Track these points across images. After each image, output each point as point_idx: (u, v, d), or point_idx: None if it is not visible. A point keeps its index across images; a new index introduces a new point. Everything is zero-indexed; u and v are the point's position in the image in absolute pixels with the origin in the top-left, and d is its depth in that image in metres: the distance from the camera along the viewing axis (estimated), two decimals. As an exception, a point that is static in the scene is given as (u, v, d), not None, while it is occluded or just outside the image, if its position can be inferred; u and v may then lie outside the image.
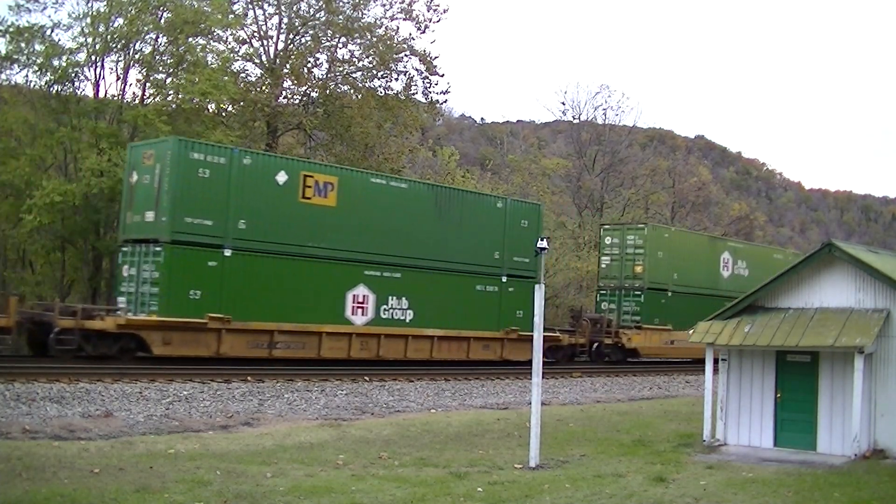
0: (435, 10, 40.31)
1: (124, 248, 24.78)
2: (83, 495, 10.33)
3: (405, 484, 12.09)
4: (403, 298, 28.04)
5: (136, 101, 33.43)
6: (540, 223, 32.72)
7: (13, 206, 29.81)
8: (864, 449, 15.19)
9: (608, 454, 15.54)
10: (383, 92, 40.10)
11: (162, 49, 33.61)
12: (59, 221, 29.71)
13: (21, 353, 25.12)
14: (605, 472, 13.60)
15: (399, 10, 40.04)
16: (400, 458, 14.39)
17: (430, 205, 29.23)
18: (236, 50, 37.98)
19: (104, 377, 20.60)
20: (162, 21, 33.10)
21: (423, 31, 40.42)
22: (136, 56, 33.34)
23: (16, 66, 31.89)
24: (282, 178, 25.35)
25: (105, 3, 32.31)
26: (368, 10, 39.65)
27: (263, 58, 39.09)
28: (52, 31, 31.81)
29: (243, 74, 38.51)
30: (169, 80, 33.53)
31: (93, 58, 32.45)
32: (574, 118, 61.52)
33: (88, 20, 32.06)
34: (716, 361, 16.94)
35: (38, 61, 31.34)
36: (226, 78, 33.37)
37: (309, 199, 25.89)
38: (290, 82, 38.74)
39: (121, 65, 33.50)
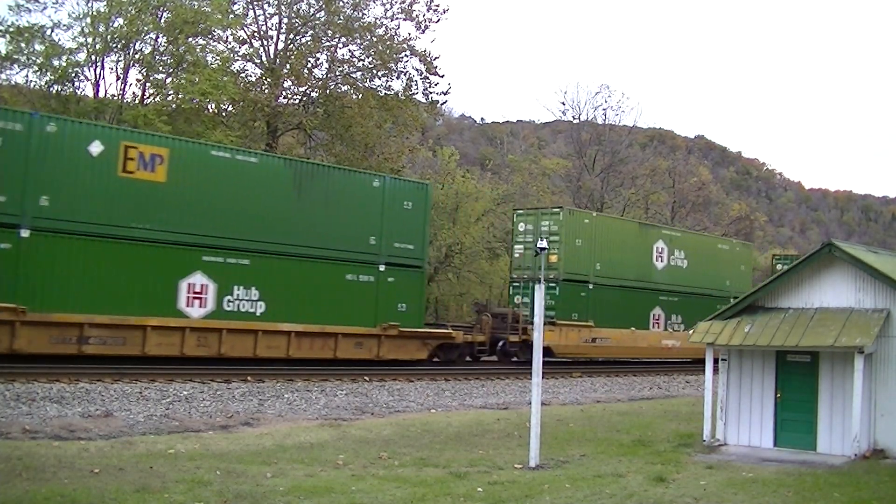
0: (435, 10, 40.43)
1: None
2: (83, 495, 10.33)
3: (405, 484, 12.08)
4: (253, 288, 24.81)
5: (136, 101, 33.50)
6: (428, 205, 29.65)
7: None
8: (864, 449, 15.19)
9: (608, 454, 15.53)
10: (383, 92, 40.16)
11: (162, 49, 33.68)
12: None
13: None
14: (605, 472, 13.60)
15: (399, 10, 40.10)
16: (400, 458, 14.39)
17: (288, 182, 25.96)
18: (236, 50, 38.09)
19: (104, 377, 20.60)
20: (162, 21, 33.17)
21: (423, 31, 40.53)
22: (136, 56, 33.41)
23: (16, 66, 31.98)
24: (96, 148, 22.33)
25: (105, 3, 32.38)
26: (368, 10, 39.75)
27: (263, 58, 39.14)
28: (52, 31, 31.96)
29: (243, 74, 38.59)
30: (169, 80, 33.60)
31: (93, 58, 32.53)
32: (574, 118, 61.50)
33: (88, 20, 32.14)
34: (716, 361, 16.93)
35: (38, 61, 31.41)
36: (226, 78, 33.41)
37: (131, 172, 22.84)
38: (290, 82, 38.78)
39: (121, 65, 33.62)
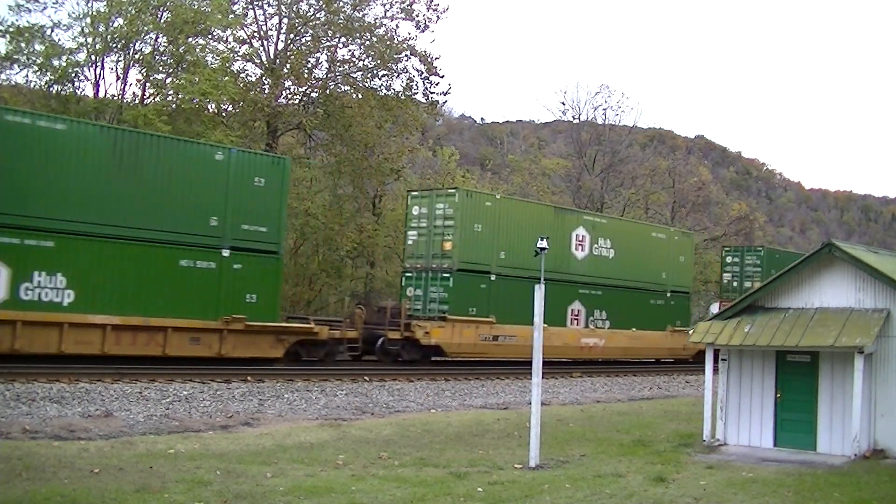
0: (435, 10, 40.44)
1: None
2: (83, 495, 10.33)
3: (405, 484, 12.09)
4: (59, 275, 21.58)
5: (136, 101, 33.51)
6: (285, 182, 26.20)
7: None
8: (864, 449, 15.19)
9: (608, 454, 15.54)
10: (383, 92, 40.17)
11: (162, 49, 33.68)
12: None
13: None
14: (605, 472, 13.60)
15: (399, 9, 40.11)
16: (400, 458, 14.39)
17: (105, 152, 22.62)
18: (236, 50, 38.09)
19: (104, 377, 20.59)
20: (162, 21, 33.18)
21: (423, 31, 40.55)
22: (136, 56, 33.43)
23: (16, 66, 31.99)
24: None
25: (105, 3, 32.39)
26: (369, 10, 39.76)
27: (263, 58, 39.16)
28: (52, 31, 31.96)
29: (243, 74, 38.60)
30: (169, 80, 33.61)
31: (93, 58, 32.55)
32: (574, 118, 61.52)
33: (88, 20, 32.16)
34: (716, 361, 16.95)
35: (38, 61, 31.42)
36: (226, 78, 33.42)
37: None
38: (290, 82, 38.80)
39: (121, 65, 33.64)
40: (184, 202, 23.83)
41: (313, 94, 39.72)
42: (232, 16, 35.88)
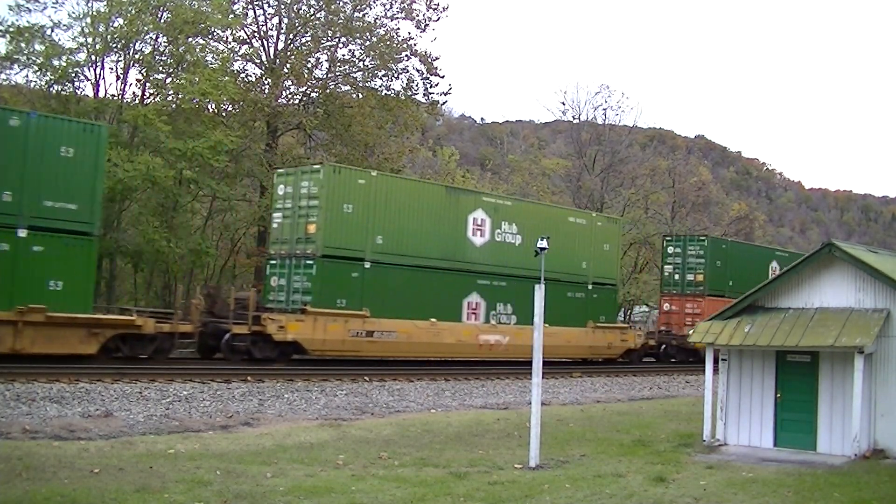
0: (435, 9, 40.45)
1: None
2: (83, 495, 10.33)
3: (405, 484, 12.09)
4: None
5: (136, 101, 33.51)
6: (101, 153, 22.74)
7: None
8: (864, 449, 15.19)
9: (608, 454, 15.54)
10: (383, 92, 40.18)
11: (162, 49, 33.68)
12: None
13: None
14: (605, 472, 13.60)
15: (399, 9, 40.12)
16: (400, 458, 14.39)
17: None
18: (236, 50, 38.12)
19: (104, 377, 20.59)
20: (162, 21, 33.17)
21: (423, 30, 40.55)
22: (136, 56, 33.42)
23: (16, 66, 31.98)
24: None
25: (105, 3, 32.39)
26: (369, 10, 39.77)
27: (263, 58, 39.18)
28: (52, 31, 31.95)
29: (243, 74, 38.62)
30: (169, 80, 33.61)
31: (93, 58, 32.54)
32: (574, 118, 61.49)
33: (88, 20, 32.15)
34: (716, 361, 16.93)
35: (38, 61, 31.40)
36: (226, 78, 33.43)
37: None
38: (290, 82, 38.81)
39: (121, 65, 33.63)
40: None
41: (313, 94, 39.74)
42: (232, 16, 35.89)
